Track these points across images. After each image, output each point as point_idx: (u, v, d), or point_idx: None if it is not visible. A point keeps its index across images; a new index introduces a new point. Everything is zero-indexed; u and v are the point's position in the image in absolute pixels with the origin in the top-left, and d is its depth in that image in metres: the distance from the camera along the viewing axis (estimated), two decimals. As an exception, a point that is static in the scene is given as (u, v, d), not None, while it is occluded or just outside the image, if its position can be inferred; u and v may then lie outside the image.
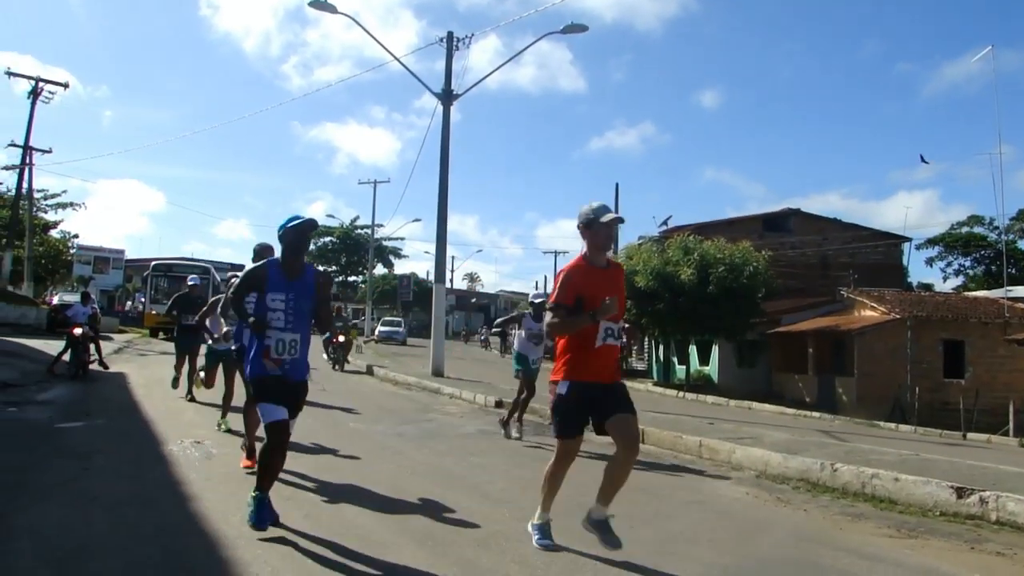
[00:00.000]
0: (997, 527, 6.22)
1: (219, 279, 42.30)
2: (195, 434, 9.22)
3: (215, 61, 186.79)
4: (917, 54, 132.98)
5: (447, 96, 21.76)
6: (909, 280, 45.35)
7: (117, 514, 5.52)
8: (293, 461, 7.77)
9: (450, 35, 21.88)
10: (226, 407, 9.64)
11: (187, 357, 12.93)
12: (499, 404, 14.18)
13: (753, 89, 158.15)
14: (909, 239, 43.82)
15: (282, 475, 7.08)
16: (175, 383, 13.12)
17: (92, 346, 16.31)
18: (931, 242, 49.76)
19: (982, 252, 49.03)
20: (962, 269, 50.58)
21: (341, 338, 22.96)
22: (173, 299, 13.65)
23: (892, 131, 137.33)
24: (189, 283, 13.18)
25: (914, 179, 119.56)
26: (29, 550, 4.65)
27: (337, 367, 22.71)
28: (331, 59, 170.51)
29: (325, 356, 23.62)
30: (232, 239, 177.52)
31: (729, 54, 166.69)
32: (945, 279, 50.53)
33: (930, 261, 50.97)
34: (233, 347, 8.36)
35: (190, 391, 12.73)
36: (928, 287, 46.14)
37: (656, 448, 10.07)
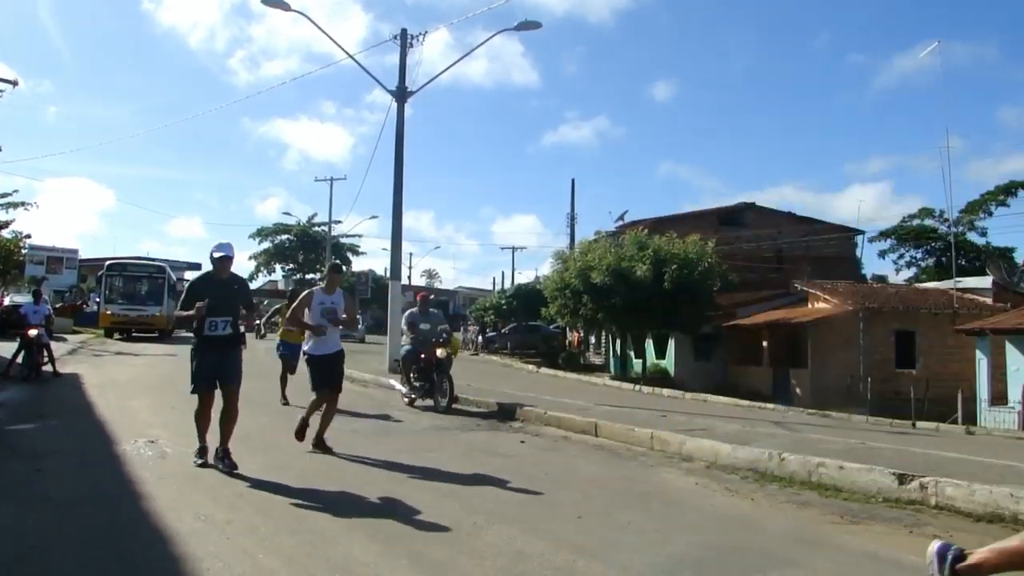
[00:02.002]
0: (936, 511, 6.42)
1: (174, 279, 42.03)
2: (149, 433, 9.21)
3: (160, 56, 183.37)
4: (868, 46, 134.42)
5: (401, 94, 21.73)
6: (864, 272, 45.98)
7: (69, 514, 5.55)
8: (247, 459, 7.82)
9: (404, 32, 21.90)
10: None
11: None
12: (455, 400, 14.22)
13: (706, 81, 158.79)
14: (862, 232, 44.47)
15: (237, 473, 7.16)
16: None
17: (45, 349, 16.15)
18: (883, 235, 50.49)
19: (933, 244, 49.88)
20: (914, 261, 51.40)
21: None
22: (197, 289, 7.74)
23: (845, 123, 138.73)
24: (216, 255, 7.60)
25: (867, 172, 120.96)
26: (-21, 551, 4.65)
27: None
28: (278, 54, 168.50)
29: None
30: (186, 237, 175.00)
31: (682, 46, 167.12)
32: (898, 271, 51.31)
33: (883, 253, 51.72)
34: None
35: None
36: (883, 279, 46.79)
37: (609, 441, 10.19)
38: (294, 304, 9.42)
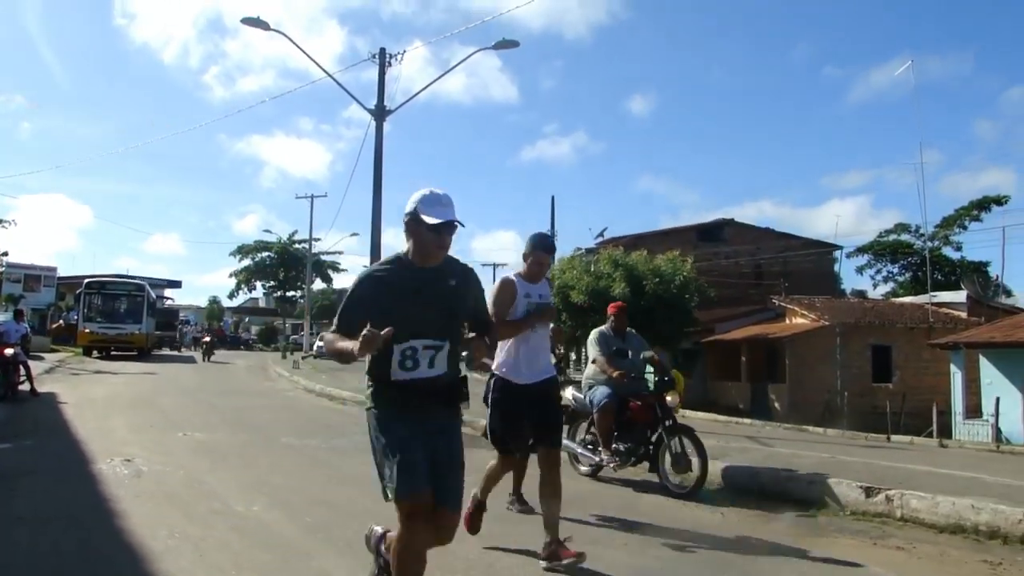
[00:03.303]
0: (902, 523, 6.56)
1: (154, 296, 41.90)
2: (126, 452, 9.21)
3: (134, 72, 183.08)
4: (845, 59, 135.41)
5: (380, 112, 21.84)
6: (843, 287, 46.39)
7: (43, 533, 5.57)
8: (223, 475, 7.89)
9: (382, 51, 22.04)
10: None
11: None
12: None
13: (683, 95, 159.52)
14: (840, 247, 44.92)
15: (211, 490, 7.22)
16: None
17: (22, 367, 16.12)
18: (860, 250, 50.97)
19: (909, 259, 50.47)
20: (890, 276, 52.01)
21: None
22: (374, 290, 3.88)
23: (822, 137, 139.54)
24: (430, 218, 3.69)
25: (845, 185, 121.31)
26: (-48, 570, 4.70)
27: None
28: (253, 69, 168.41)
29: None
30: (164, 254, 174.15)
31: (659, 60, 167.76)
32: (875, 286, 51.79)
33: (860, 269, 52.21)
34: None
35: None
36: (862, 294, 47.22)
37: (585, 456, 10.28)
38: (495, 300, 5.57)
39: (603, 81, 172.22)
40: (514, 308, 5.63)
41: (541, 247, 5.86)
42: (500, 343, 5.66)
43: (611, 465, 8.37)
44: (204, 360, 37.18)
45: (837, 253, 44.54)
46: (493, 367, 5.86)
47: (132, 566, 4.82)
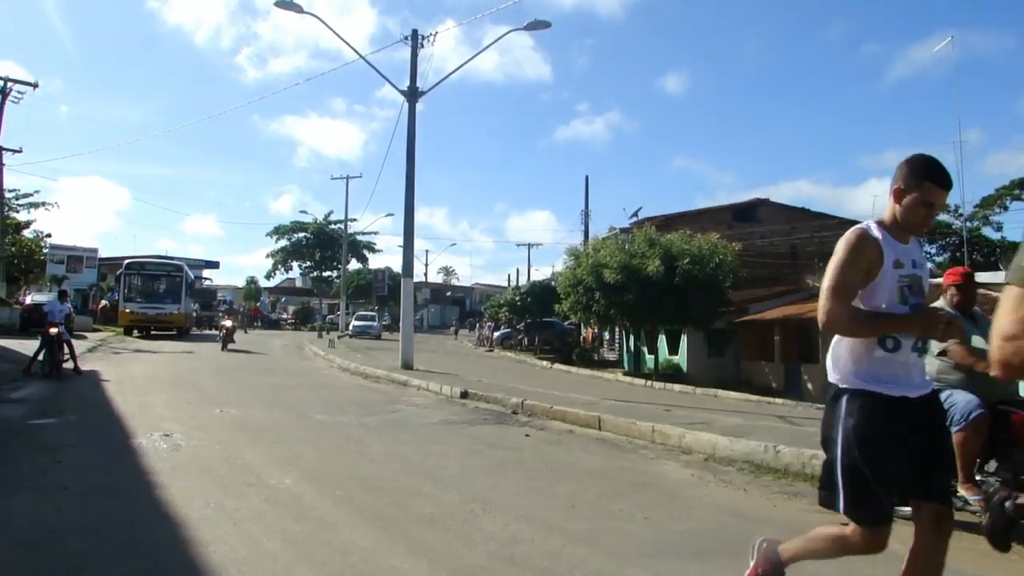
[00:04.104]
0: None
1: (192, 277, 42.47)
2: (164, 427, 9.52)
3: (167, 54, 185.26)
4: (883, 36, 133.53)
5: (412, 94, 21.97)
6: (882, 268, 45.95)
7: (85, 502, 5.85)
8: (257, 450, 8.15)
9: (415, 33, 22.16)
10: None
11: None
12: (464, 395, 14.52)
13: (718, 73, 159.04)
14: (876, 227, 44.38)
15: (245, 464, 7.47)
16: None
17: (66, 346, 16.54)
18: (895, 230, 50.34)
19: (947, 240, 49.81)
20: (928, 256, 51.32)
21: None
22: None
23: (860, 115, 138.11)
24: None
25: (884, 165, 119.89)
26: (1, 536, 4.97)
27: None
28: (285, 50, 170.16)
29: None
30: (202, 235, 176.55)
31: (692, 37, 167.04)
32: (912, 267, 51.03)
33: (894, 249, 51.55)
34: None
35: None
36: (899, 275, 46.59)
37: (612, 434, 10.43)
38: (839, 264, 3.36)
39: (636, 59, 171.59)
40: (876, 282, 3.41)
41: (933, 176, 3.36)
42: (842, 340, 3.57)
43: (978, 505, 5.33)
44: (222, 349, 27.80)
45: (873, 233, 44.06)
46: (836, 377, 3.66)
47: (169, 533, 5.06)
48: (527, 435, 10.38)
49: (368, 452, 8.59)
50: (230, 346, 28.40)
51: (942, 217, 50.49)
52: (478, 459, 8.37)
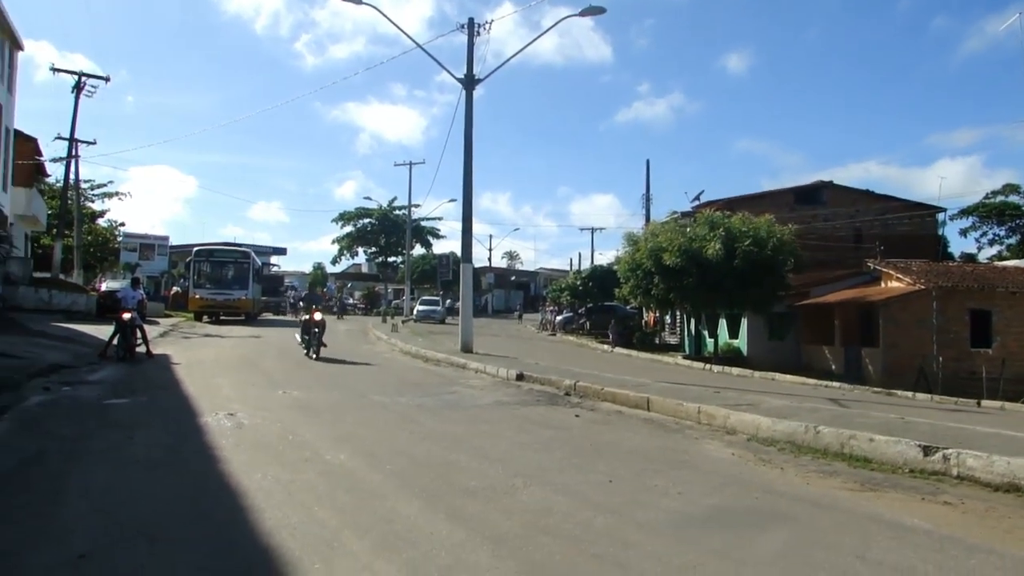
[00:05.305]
0: (957, 481, 6.71)
1: (259, 263, 43.46)
2: (229, 408, 10.05)
3: (227, 43, 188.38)
4: (954, 7, 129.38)
5: (469, 81, 22.30)
6: (950, 251, 45.11)
7: (155, 474, 6.36)
8: (315, 429, 8.60)
9: (471, 21, 22.43)
10: None
11: None
12: (520, 377, 14.83)
13: (781, 51, 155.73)
14: (943, 209, 43.65)
15: (303, 441, 7.91)
16: None
17: (138, 331, 17.27)
18: (965, 212, 49.28)
19: (1017, 221, 48.61)
20: (997, 238, 50.21)
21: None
22: None
23: (930, 92, 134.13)
24: None
25: (954, 145, 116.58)
26: (81, 503, 5.48)
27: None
28: (343, 36, 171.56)
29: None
30: (268, 222, 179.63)
31: (756, 14, 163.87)
32: (980, 249, 50.09)
33: (964, 231, 50.48)
34: None
35: None
36: (972, 257, 45.80)
37: (659, 415, 10.66)
38: None
39: (698, 38, 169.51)
40: None
41: None
42: None
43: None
44: (307, 354, 18.85)
45: (941, 216, 43.30)
46: None
47: (229, 501, 5.50)
48: (576, 416, 10.66)
49: (421, 431, 8.96)
50: (323, 352, 19.16)
51: (1011, 198, 49.35)
52: (526, 437, 8.69)
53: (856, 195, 42.46)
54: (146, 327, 18.39)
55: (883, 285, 31.67)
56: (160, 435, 8.25)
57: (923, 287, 28.31)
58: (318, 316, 19.02)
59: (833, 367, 30.15)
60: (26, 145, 37.45)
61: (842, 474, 7.08)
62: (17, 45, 31.95)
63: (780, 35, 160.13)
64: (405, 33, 23.60)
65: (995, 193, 49.86)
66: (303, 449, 7.55)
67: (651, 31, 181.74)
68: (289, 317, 50.63)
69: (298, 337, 20.51)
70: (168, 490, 5.83)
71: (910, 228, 39.95)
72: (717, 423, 9.74)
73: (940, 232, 43.92)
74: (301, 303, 16.39)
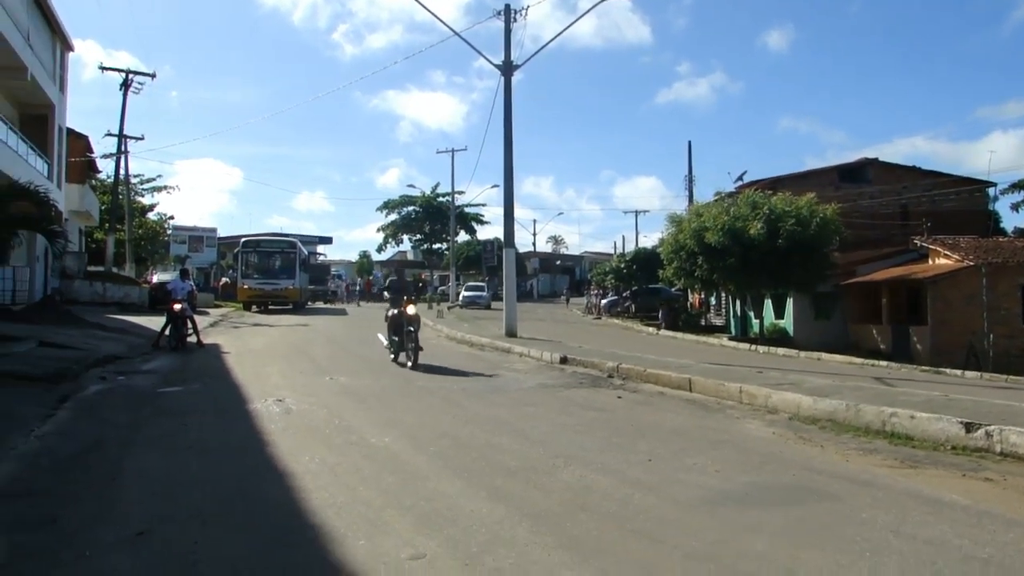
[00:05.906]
0: (1000, 458, 6.67)
1: (305, 252, 43.97)
2: (278, 394, 10.31)
3: (266, 36, 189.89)
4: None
5: (507, 68, 22.36)
6: (1002, 226, 44.22)
7: (207, 458, 6.59)
8: (361, 414, 8.80)
9: (507, 7, 22.47)
10: None
11: None
12: (564, 360, 14.93)
13: (824, 25, 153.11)
14: (993, 184, 42.75)
15: (349, 426, 8.11)
16: None
17: (189, 321, 17.66)
18: (1015, 186, 48.06)
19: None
20: (1050, 220, 49.08)
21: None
22: None
23: (979, 64, 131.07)
24: None
25: (1006, 117, 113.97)
26: (137, 485, 5.74)
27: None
28: (380, 25, 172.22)
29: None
30: (313, 211, 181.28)
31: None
32: (1033, 224, 48.81)
33: (1016, 206, 49.24)
34: None
35: None
36: (1024, 233, 44.81)
37: (701, 395, 10.72)
38: None
39: (737, 16, 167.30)
40: None
41: None
42: None
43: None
44: (401, 362, 14.58)
45: (991, 191, 42.46)
46: None
47: (277, 482, 5.71)
48: (619, 397, 10.76)
49: (464, 414, 9.12)
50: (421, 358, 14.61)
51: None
52: (568, 419, 8.82)
53: (902, 171, 41.78)
54: (196, 317, 18.78)
55: (931, 262, 31.22)
56: (211, 421, 8.53)
57: (972, 263, 27.85)
58: (411, 310, 14.73)
59: (881, 346, 29.83)
60: (78, 143, 38.27)
61: (882, 452, 7.07)
62: (68, 46, 32.59)
63: (821, 10, 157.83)
64: (441, 21, 24.00)
65: (1048, 166, 48.83)
66: (349, 433, 7.75)
67: (689, 10, 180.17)
68: (338, 305, 51.09)
69: (383, 338, 16.91)
70: (219, 473, 6.06)
71: (958, 204, 39.19)
72: (758, 402, 9.77)
73: (990, 207, 43.05)
74: (386, 292, 13.08)
